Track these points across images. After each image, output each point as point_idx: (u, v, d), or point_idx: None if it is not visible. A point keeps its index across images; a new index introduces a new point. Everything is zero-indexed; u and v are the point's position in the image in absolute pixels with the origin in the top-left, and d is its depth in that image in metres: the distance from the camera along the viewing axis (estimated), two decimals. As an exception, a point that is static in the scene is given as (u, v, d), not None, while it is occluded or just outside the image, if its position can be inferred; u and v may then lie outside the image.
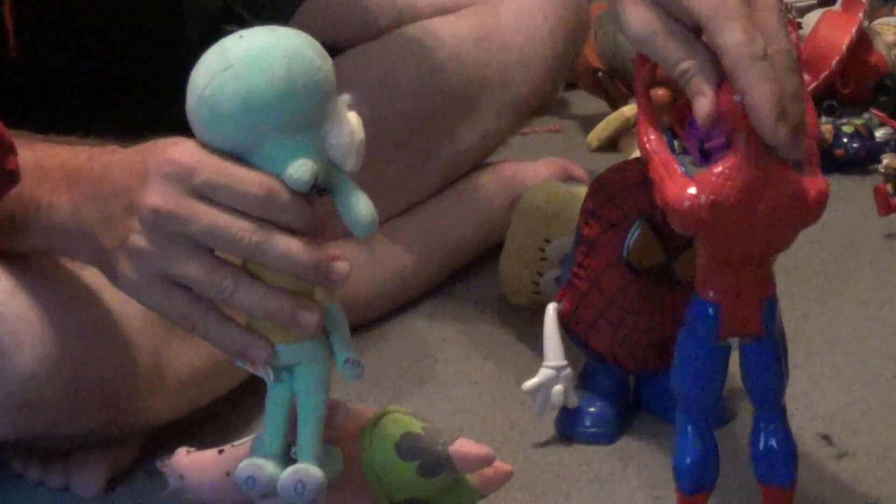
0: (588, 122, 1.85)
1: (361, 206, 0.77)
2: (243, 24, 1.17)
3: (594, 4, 1.71)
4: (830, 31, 1.74)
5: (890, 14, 1.94)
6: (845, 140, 1.62)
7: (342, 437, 0.82)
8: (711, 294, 0.79)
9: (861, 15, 1.74)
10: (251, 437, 0.82)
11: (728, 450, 0.88)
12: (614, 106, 1.83)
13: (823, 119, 1.69)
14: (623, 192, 0.99)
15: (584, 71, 1.87)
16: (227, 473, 0.83)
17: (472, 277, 1.35)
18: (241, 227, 0.76)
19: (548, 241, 1.22)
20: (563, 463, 0.99)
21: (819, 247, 1.35)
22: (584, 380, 1.04)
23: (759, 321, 0.80)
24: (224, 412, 1.05)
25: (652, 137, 0.81)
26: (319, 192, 0.76)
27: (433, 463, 0.81)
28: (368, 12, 1.35)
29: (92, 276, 0.91)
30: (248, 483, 0.78)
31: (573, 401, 1.01)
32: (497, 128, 1.36)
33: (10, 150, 0.82)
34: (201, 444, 0.87)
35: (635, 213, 0.97)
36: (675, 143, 1.66)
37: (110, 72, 1.12)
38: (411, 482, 0.82)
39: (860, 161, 1.62)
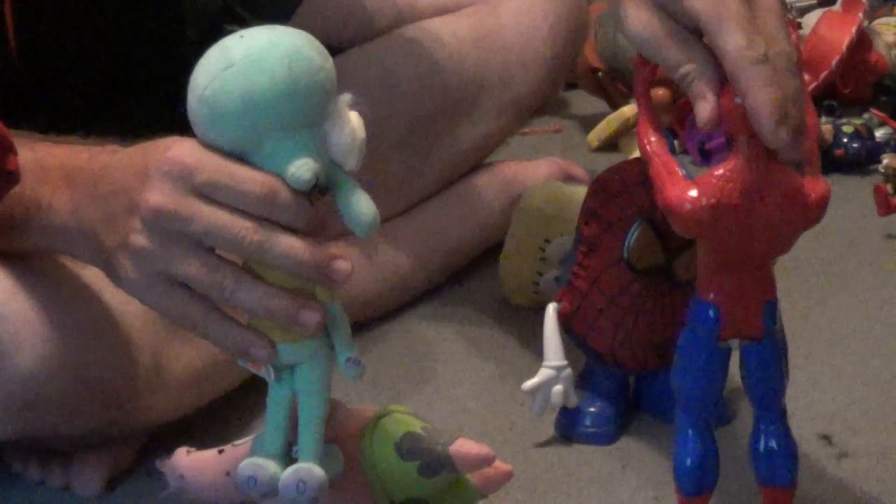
0: (588, 122, 1.85)
1: (363, 205, 0.77)
2: (243, 24, 1.17)
3: (594, 4, 1.71)
4: (830, 31, 1.74)
5: (890, 14, 1.94)
6: (845, 140, 1.62)
7: (342, 437, 0.81)
8: (712, 296, 0.79)
9: (861, 15, 1.74)
10: (251, 437, 0.82)
11: (728, 451, 0.88)
12: (614, 106, 1.83)
13: (823, 119, 1.69)
14: (623, 192, 0.99)
15: (584, 71, 1.87)
16: (227, 473, 0.83)
17: (472, 277, 1.35)
18: (243, 227, 0.76)
19: (548, 241, 1.22)
20: (563, 463, 0.99)
21: (819, 247, 1.35)
22: (584, 380, 1.04)
23: (759, 323, 0.80)
24: (224, 412, 1.05)
25: (652, 139, 0.81)
26: (321, 191, 0.76)
27: (433, 463, 0.81)
28: (368, 12, 1.35)
29: (92, 275, 0.91)
30: (249, 483, 0.78)
31: (573, 401, 1.01)
32: (497, 128, 1.36)
33: (10, 149, 0.82)
34: (201, 444, 0.87)
35: (635, 213, 0.97)
36: (676, 143, 1.67)
37: (110, 71, 1.12)
38: (411, 482, 0.81)
39: (860, 161, 1.62)
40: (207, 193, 0.76)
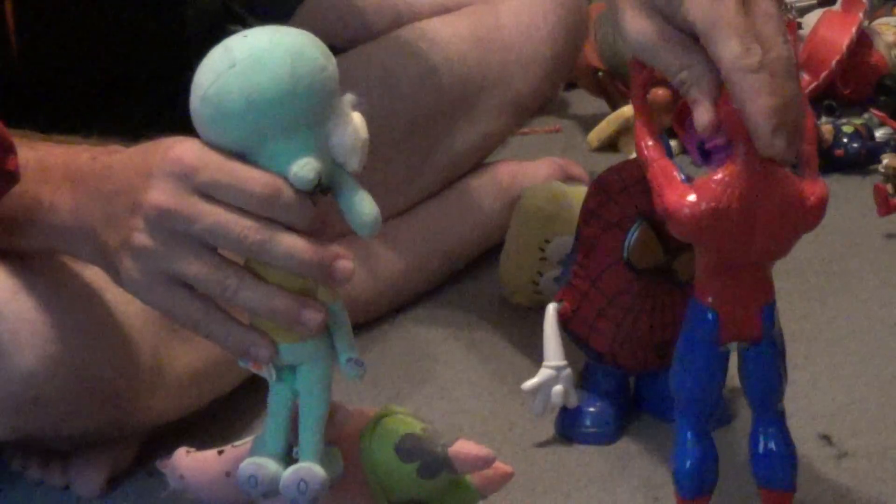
0: (588, 122, 1.85)
1: (365, 205, 0.77)
2: (243, 24, 1.17)
3: (594, 4, 1.71)
4: (830, 31, 1.74)
5: (890, 14, 1.94)
6: (845, 140, 1.62)
7: (342, 439, 0.81)
8: (711, 299, 0.79)
9: (861, 15, 1.74)
10: (251, 438, 0.82)
11: (728, 452, 0.88)
12: (614, 106, 1.83)
13: (823, 119, 1.68)
14: (623, 192, 0.99)
15: (584, 71, 1.87)
16: (227, 474, 0.83)
17: (471, 278, 1.35)
18: (245, 226, 0.76)
19: (548, 241, 1.22)
20: (563, 463, 0.99)
21: (819, 247, 1.35)
22: (584, 380, 1.04)
23: (758, 326, 0.80)
24: (224, 412, 1.05)
25: (650, 143, 0.81)
26: (323, 191, 0.76)
27: (433, 464, 0.81)
28: (368, 13, 1.35)
29: (93, 275, 0.91)
30: (250, 482, 0.78)
31: (573, 401, 1.01)
32: (496, 128, 1.36)
33: (10, 149, 0.82)
34: (201, 444, 0.87)
35: (635, 213, 0.97)
36: (676, 142, 1.67)
37: (111, 71, 1.12)
38: (411, 483, 0.81)
39: (860, 161, 1.62)
40: (210, 193, 0.76)
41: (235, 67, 0.74)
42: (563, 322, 1.01)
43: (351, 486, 0.82)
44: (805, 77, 1.74)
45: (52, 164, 0.85)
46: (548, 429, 1.03)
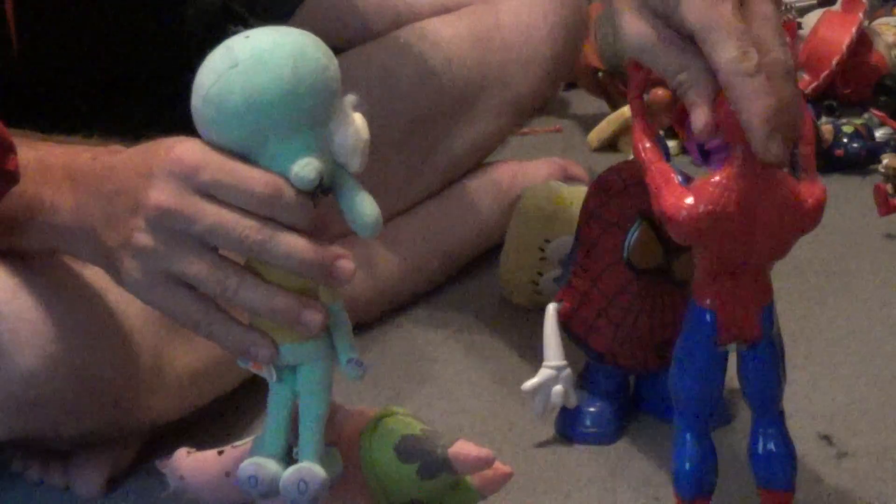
0: (588, 122, 1.85)
1: (366, 205, 0.77)
2: (243, 23, 1.17)
3: (594, 4, 1.71)
4: (830, 31, 1.74)
5: (890, 14, 1.94)
6: (845, 140, 1.62)
7: (341, 439, 0.81)
8: (709, 301, 0.79)
9: (861, 15, 1.74)
10: (251, 438, 0.82)
11: (728, 452, 0.88)
12: (614, 106, 1.83)
13: (823, 119, 1.69)
14: (623, 192, 0.99)
15: (584, 71, 1.87)
16: (227, 474, 0.83)
17: (471, 277, 1.35)
18: (246, 226, 0.76)
19: (548, 241, 1.22)
20: (563, 463, 0.99)
21: (819, 247, 1.35)
22: (584, 380, 1.04)
23: (757, 327, 0.80)
24: (224, 412, 1.05)
25: (648, 146, 0.80)
26: (324, 191, 0.76)
27: (432, 465, 0.81)
28: (368, 13, 1.35)
29: (93, 275, 0.91)
30: (250, 482, 0.78)
31: (573, 401, 1.01)
32: (496, 127, 1.36)
33: (9, 149, 0.82)
34: (201, 445, 0.87)
35: (635, 213, 0.97)
36: (676, 142, 1.67)
37: (112, 71, 1.12)
38: (411, 484, 0.81)
39: (860, 161, 1.62)
40: (211, 193, 0.76)
41: (237, 67, 0.74)
42: (563, 322, 1.01)
43: (350, 486, 0.82)
44: (805, 77, 1.74)
45: (52, 163, 0.85)
46: (548, 429, 1.03)
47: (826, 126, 1.63)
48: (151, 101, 1.15)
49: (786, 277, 1.25)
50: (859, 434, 1.01)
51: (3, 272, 0.89)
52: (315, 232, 0.77)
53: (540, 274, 1.23)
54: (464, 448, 0.81)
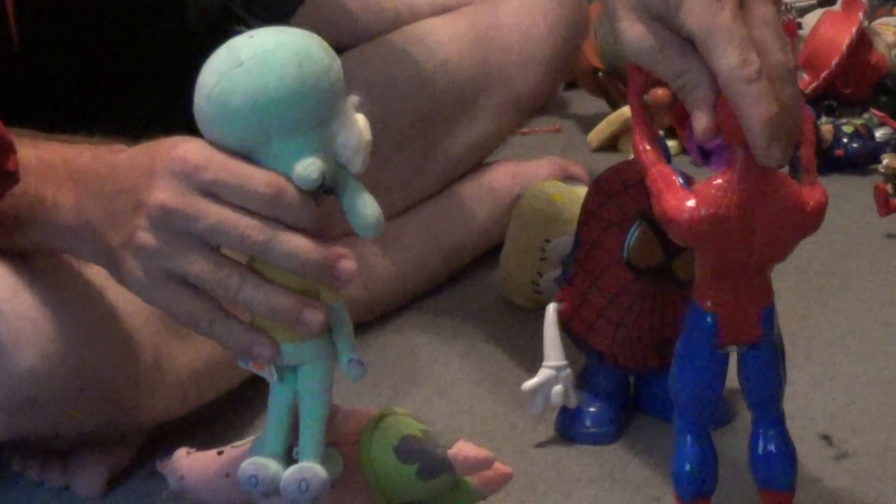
0: (588, 122, 1.85)
1: (368, 206, 0.77)
2: (245, 24, 1.17)
3: (594, 4, 1.71)
4: (830, 31, 1.74)
5: (890, 14, 1.94)
6: (845, 140, 1.62)
7: (341, 440, 0.81)
8: (709, 303, 0.79)
9: (861, 15, 1.74)
10: (251, 439, 0.82)
11: (728, 452, 0.88)
12: (614, 106, 1.83)
13: (823, 119, 1.68)
14: (623, 192, 0.99)
15: (584, 71, 1.87)
16: (227, 474, 0.83)
17: (472, 277, 1.35)
18: (249, 225, 0.76)
19: (548, 241, 1.22)
20: (563, 463, 0.99)
21: (819, 247, 1.35)
22: (584, 380, 1.04)
23: (757, 329, 0.80)
24: (224, 412, 1.05)
25: (648, 148, 0.80)
26: (326, 191, 0.76)
27: (432, 466, 0.81)
28: (368, 13, 1.35)
29: (94, 274, 0.91)
30: (251, 482, 0.78)
31: (573, 401, 1.01)
32: (496, 127, 1.36)
33: (9, 149, 0.82)
34: (201, 445, 0.87)
35: (635, 213, 0.97)
36: (676, 142, 1.67)
37: (114, 70, 1.12)
38: (410, 485, 0.81)
39: (860, 161, 1.62)
40: (213, 192, 0.76)
41: (241, 67, 0.74)
42: (563, 322, 1.01)
43: (350, 487, 0.81)
44: (805, 77, 1.74)
45: (54, 162, 0.85)
46: (548, 429, 1.03)
47: (826, 126, 1.63)
48: (153, 100, 1.15)
49: (786, 277, 1.25)
50: (859, 434, 1.01)
51: (3, 271, 0.89)
52: (317, 232, 0.77)
53: (540, 274, 1.23)
54: (464, 449, 0.81)
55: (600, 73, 1.84)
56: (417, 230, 1.30)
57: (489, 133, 1.35)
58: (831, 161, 1.60)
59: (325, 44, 0.76)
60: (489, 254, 1.34)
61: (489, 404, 1.09)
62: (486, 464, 0.81)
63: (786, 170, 0.79)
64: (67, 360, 0.89)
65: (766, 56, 0.75)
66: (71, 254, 0.90)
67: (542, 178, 1.38)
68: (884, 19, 1.90)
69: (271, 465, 0.78)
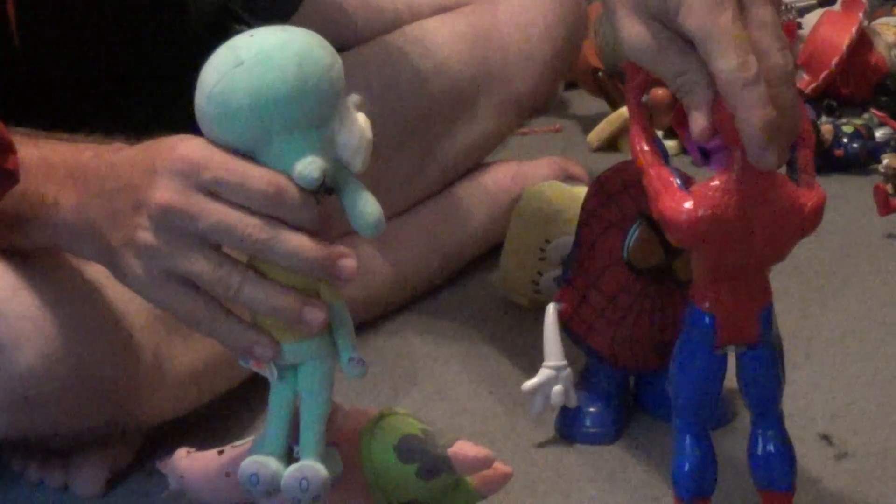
0: (588, 122, 1.85)
1: (369, 205, 0.77)
2: (246, 24, 1.17)
3: (594, 4, 1.71)
4: (830, 31, 1.74)
5: (890, 14, 1.94)
6: (845, 140, 1.62)
7: (341, 440, 0.81)
8: (708, 304, 0.79)
9: (861, 15, 1.74)
10: (251, 438, 0.82)
11: (728, 452, 0.88)
12: (614, 106, 1.83)
13: (823, 119, 1.69)
14: (623, 192, 0.99)
15: (584, 71, 1.87)
16: (228, 474, 0.83)
17: (471, 278, 1.35)
18: (250, 224, 0.76)
19: (548, 241, 1.22)
20: (563, 463, 0.99)
21: (819, 247, 1.35)
22: (584, 380, 1.04)
23: (755, 330, 0.80)
24: (224, 412, 1.05)
25: (646, 149, 0.80)
26: (327, 190, 0.76)
27: (432, 465, 0.81)
28: (367, 13, 1.35)
29: (94, 273, 0.91)
30: (251, 480, 0.78)
31: (573, 401, 1.01)
32: (496, 126, 1.36)
33: (9, 149, 0.82)
34: (201, 444, 0.87)
35: (635, 213, 0.97)
36: (676, 142, 1.67)
37: (114, 69, 1.12)
38: (411, 484, 0.81)
39: (860, 161, 1.62)
40: (214, 191, 0.76)
41: (242, 66, 0.74)
42: (563, 322, 1.01)
43: (351, 487, 0.81)
44: (805, 77, 1.74)
45: (55, 161, 0.85)
46: (548, 429, 1.03)
47: (826, 126, 1.63)
48: (153, 100, 1.15)
49: (786, 277, 1.25)
50: (859, 434, 1.01)
51: (3, 270, 0.89)
52: (318, 231, 0.77)
53: (540, 274, 1.23)
54: (463, 448, 0.81)
55: (600, 73, 1.84)
56: (417, 230, 1.30)
57: (489, 133, 1.35)
58: (831, 161, 1.60)
59: (325, 43, 0.76)
60: (489, 254, 1.34)
61: (489, 404, 1.09)
62: (486, 463, 0.81)
63: (784, 170, 0.79)
64: (67, 359, 0.89)
65: (765, 59, 0.75)
66: (71, 253, 0.90)
67: (542, 178, 1.38)
68: (884, 19, 1.90)
69: (272, 464, 0.78)
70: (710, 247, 0.77)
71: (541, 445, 1.02)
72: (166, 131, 0.81)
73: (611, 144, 1.76)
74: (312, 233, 0.77)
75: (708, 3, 0.75)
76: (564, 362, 1.00)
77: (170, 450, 0.87)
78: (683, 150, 1.61)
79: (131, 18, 1.12)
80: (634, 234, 0.97)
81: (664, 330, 0.98)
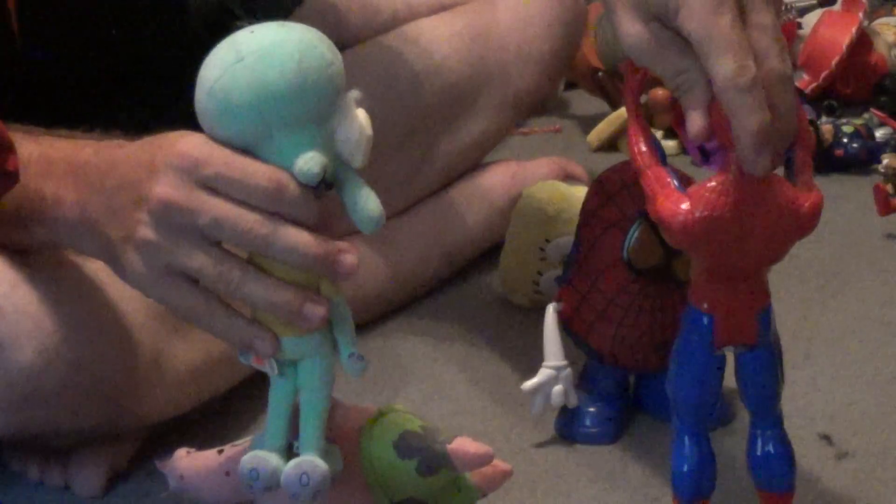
0: (588, 122, 1.85)
1: (369, 201, 0.77)
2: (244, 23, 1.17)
3: (593, 4, 1.71)
4: (830, 31, 1.74)
5: (890, 14, 1.94)
6: (845, 140, 1.62)
7: (341, 436, 0.81)
8: (706, 305, 0.79)
9: (861, 15, 1.74)
10: (250, 437, 0.82)
11: (728, 453, 0.88)
12: (614, 106, 1.83)
13: (823, 119, 1.68)
14: (623, 192, 0.99)
15: (584, 71, 1.87)
16: (227, 473, 0.83)
17: (471, 277, 1.35)
18: (250, 220, 0.76)
19: (548, 241, 1.22)
20: (563, 463, 0.99)
21: (819, 247, 1.35)
22: (584, 380, 1.04)
23: (753, 331, 0.80)
24: (224, 412, 1.05)
25: (643, 149, 0.80)
26: (327, 186, 0.76)
27: (432, 461, 0.81)
28: (366, 12, 1.35)
29: (94, 271, 0.91)
30: (251, 475, 0.78)
31: (573, 401, 1.01)
32: (496, 125, 1.36)
33: (9, 149, 0.82)
34: (201, 444, 0.87)
35: (635, 213, 0.97)
36: (676, 142, 1.67)
37: (115, 67, 1.12)
38: (410, 481, 0.81)
39: (860, 161, 1.62)
40: (215, 187, 0.76)
41: (243, 62, 0.74)
42: (563, 322, 1.01)
43: (350, 483, 0.81)
44: (805, 77, 1.74)
45: (55, 158, 0.85)
46: (548, 429, 1.03)
47: (826, 126, 1.63)
48: (153, 100, 1.15)
49: (786, 277, 1.25)
50: (859, 434, 1.01)
51: (3, 266, 0.89)
52: (318, 227, 0.77)
53: (540, 274, 1.23)
54: (463, 444, 0.81)
55: (600, 73, 1.84)
56: (417, 230, 1.30)
57: (488, 131, 1.35)
58: (831, 161, 1.60)
59: (325, 39, 0.77)
60: (489, 254, 1.34)
61: (489, 404, 1.09)
62: (486, 459, 0.81)
63: (781, 171, 0.79)
64: (66, 356, 0.89)
65: (764, 62, 0.75)
66: (72, 249, 0.90)
67: (542, 178, 1.38)
68: (884, 19, 1.90)
69: (272, 459, 0.78)
70: (707, 248, 0.77)
71: (541, 445, 1.02)
72: (168, 128, 0.81)
73: (611, 144, 1.76)
74: (313, 229, 0.77)
75: (708, 6, 0.75)
76: (564, 362, 1.00)
77: (170, 450, 0.87)
78: (684, 150, 1.61)
79: (131, 18, 1.12)
80: (634, 234, 0.97)
81: (664, 330, 0.98)
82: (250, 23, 0.77)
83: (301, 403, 0.78)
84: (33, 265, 0.90)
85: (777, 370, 0.82)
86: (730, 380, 0.82)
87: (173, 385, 0.98)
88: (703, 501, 0.83)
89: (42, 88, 1.07)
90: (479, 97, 1.33)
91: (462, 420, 1.06)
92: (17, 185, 0.82)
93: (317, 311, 0.76)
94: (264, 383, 0.80)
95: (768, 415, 0.83)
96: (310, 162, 0.75)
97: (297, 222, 0.76)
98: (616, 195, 0.99)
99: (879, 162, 1.47)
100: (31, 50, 1.05)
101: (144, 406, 0.97)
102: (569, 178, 1.42)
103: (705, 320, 0.79)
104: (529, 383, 1.00)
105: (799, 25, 1.88)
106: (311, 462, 0.77)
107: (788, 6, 1.90)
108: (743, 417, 0.99)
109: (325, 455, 0.78)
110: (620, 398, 1.04)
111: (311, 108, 0.75)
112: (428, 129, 1.30)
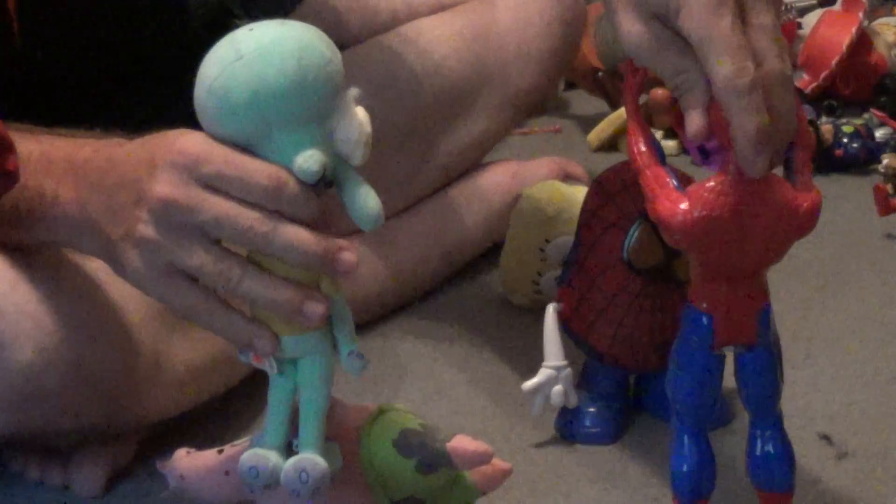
0: (588, 122, 1.85)
1: (368, 199, 0.77)
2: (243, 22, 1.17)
3: (593, 4, 1.71)
4: (830, 31, 1.74)
5: (890, 14, 1.94)
6: (845, 140, 1.62)
7: (340, 435, 0.81)
8: (705, 304, 0.79)
9: (861, 15, 1.74)
10: (250, 437, 0.82)
11: (728, 453, 0.88)
12: (614, 106, 1.83)
13: (823, 119, 1.68)
14: (623, 192, 0.99)
15: (584, 71, 1.87)
16: (227, 473, 0.83)
17: (471, 277, 1.35)
18: (250, 218, 0.76)
19: (548, 241, 1.22)
20: (563, 463, 0.99)
21: (819, 247, 1.35)
22: (584, 380, 1.04)
23: (753, 331, 0.80)
24: (223, 412, 1.05)
25: (643, 149, 0.80)
26: (327, 184, 0.76)
27: (431, 459, 0.81)
28: (366, 12, 1.35)
29: (93, 270, 0.91)
30: (251, 473, 0.78)
31: (573, 401, 1.01)
32: (495, 124, 1.36)
33: (9, 149, 0.82)
34: (201, 444, 0.87)
35: (635, 213, 0.97)
36: (676, 142, 1.67)
37: (115, 66, 1.12)
38: (410, 479, 0.81)
39: (860, 161, 1.61)
40: (214, 185, 0.76)
41: (242, 60, 0.74)
42: (563, 322, 1.01)
43: (350, 482, 0.81)
44: (805, 77, 1.74)
45: (55, 156, 0.85)
46: (548, 429, 1.03)
47: (826, 126, 1.63)
48: (153, 100, 1.15)
49: (786, 277, 1.25)
50: (859, 434, 1.01)
51: (3, 266, 0.89)
52: (317, 225, 0.77)
53: (540, 274, 1.23)
54: (462, 442, 0.81)
55: (600, 73, 1.84)
56: (416, 230, 1.30)
57: (487, 131, 1.35)
58: (831, 161, 1.60)
59: (325, 37, 0.77)
60: (489, 254, 1.34)
61: (489, 404, 1.09)
62: (485, 457, 0.81)
63: (781, 171, 0.79)
64: (66, 354, 0.89)
65: (763, 63, 0.75)
66: (72, 247, 0.90)
67: (542, 178, 1.38)
68: (884, 19, 1.90)
69: (271, 457, 0.78)
70: (706, 248, 0.77)
71: (541, 445, 1.02)
72: (167, 127, 0.81)
73: (611, 144, 1.76)
74: (312, 227, 0.77)
75: (708, 7, 0.75)
76: (564, 362, 1.00)
77: (170, 450, 0.87)
78: (684, 150, 1.61)
79: (131, 18, 1.12)
80: (634, 234, 0.97)
81: (664, 330, 0.98)
82: (250, 22, 0.77)
83: (300, 402, 0.78)
84: (33, 265, 0.90)
85: (777, 370, 0.82)
86: (730, 380, 0.82)
87: (173, 385, 0.98)
88: (703, 501, 0.83)
89: (42, 88, 1.07)
90: (478, 97, 1.33)
91: (462, 420, 1.06)
92: (17, 182, 0.82)
93: (317, 308, 0.76)
94: (264, 383, 0.80)
95: (768, 415, 0.83)
96: (309, 160, 0.75)
97: (296, 220, 0.76)
98: (616, 195, 0.99)
99: (879, 162, 1.47)
100: (31, 50, 1.05)
101: (144, 406, 0.97)
102: (568, 178, 1.42)
103: (705, 320, 0.79)
104: (529, 383, 1.00)
105: (799, 25, 1.88)
106: (310, 459, 0.77)
107: (788, 6, 1.90)
108: (743, 417, 0.99)
109: (325, 453, 0.78)
110: (620, 398, 1.04)
111: (310, 106, 0.75)
112: (428, 129, 1.30)
